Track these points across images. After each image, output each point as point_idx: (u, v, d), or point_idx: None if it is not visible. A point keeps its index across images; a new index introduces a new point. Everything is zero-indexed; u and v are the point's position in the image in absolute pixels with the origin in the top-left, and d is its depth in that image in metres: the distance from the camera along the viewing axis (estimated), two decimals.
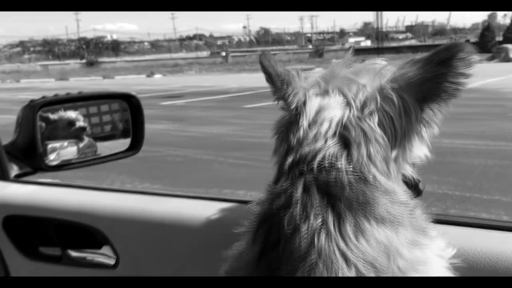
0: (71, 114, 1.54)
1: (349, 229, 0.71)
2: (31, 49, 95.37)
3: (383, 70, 0.85)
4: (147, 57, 71.46)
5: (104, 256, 1.41)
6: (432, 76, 0.78)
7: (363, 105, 0.81)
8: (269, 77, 0.88)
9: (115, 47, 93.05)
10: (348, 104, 0.82)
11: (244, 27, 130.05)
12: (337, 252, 0.69)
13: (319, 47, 55.97)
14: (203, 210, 1.25)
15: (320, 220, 0.72)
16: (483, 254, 0.92)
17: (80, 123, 1.54)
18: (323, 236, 0.70)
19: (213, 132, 10.04)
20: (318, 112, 0.82)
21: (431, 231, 0.78)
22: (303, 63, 34.77)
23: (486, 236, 0.96)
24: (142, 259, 1.32)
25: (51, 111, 1.53)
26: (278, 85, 0.87)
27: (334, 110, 0.81)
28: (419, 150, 0.85)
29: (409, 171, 0.86)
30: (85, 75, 36.84)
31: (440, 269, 0.77)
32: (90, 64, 51.34)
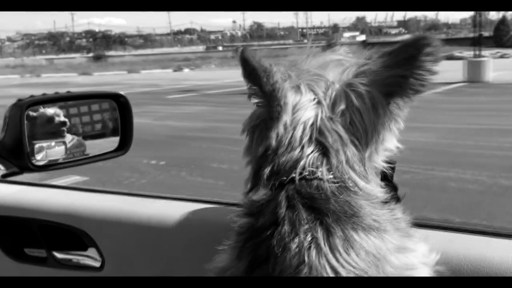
0: (50, 110, 1.51)
1: (338, 243, 0.70)
2: (36, 42, 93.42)
3: (349, 64, 0.84)
4: (155, 51, 69.92)
5: (89, 258, 1.40)
6: (398, 72, 0.78)
7: (334, 104, 0.80)
8: (253, 71, 0.81)
9: (122, 41, 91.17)
10: (319, 103, 0.81)
11: (234, 21, 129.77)
12: (328, 269, 0.69)
13: (330, 41, 55.59)
14: (189, 212, 1.25)
15: (309, 236, 0.71)
16: (465, 259, 0.92)
17: (60, 118, 1.51)
18: (313, 252, 0.70)
19: None
20: (293, 110, 0.80)
21: (414, 233, 0.79)
22: None
23: (469, 241, 0.97)
24: (127, 261, 1.32)
25: (32, 109, 1.51)
26: (263, 80, 0.80)
27: (307, 111, 0.80)
28: (390, 142, 0.85)
29: (382, 165, 0.86)
30: (105, 69, 35.83)
31: (425, 275, 0.77)
32: (98, 58, 50.07)
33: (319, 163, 0.77)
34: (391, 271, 0.71)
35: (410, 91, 0.79)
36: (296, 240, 0.71)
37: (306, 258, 0.69)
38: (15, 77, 31.76)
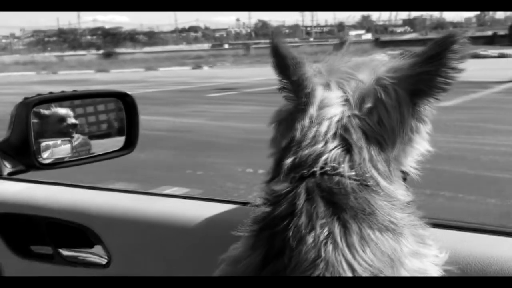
0: (62, 110, 1.53)
1: (355, 240, 0.70)
2: (46, 39, 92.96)
3: (379, 64, 0.85)
4: (162, 48, 69.06)
5: (96, 255, 1.41)
6: (424, 70, 0.78)
7: (361, 102, 0.81)
8: (282, 59, 0.84)
9: (133, 38, 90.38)
10: (347, 100, 0.81)
11: (237, 19, 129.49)
12: (344, 265, 0.68)
13: (344, 39, 54.45)
14: (197, 211, 1.24)
15: (326, 231, 0.71)
16: (473, 258, 0.92)
17: (71, 119, 1.53)
18: (330, 247, 0.69)
19: None
20: (320, 106, 0.81)
21: (428, 240, 0.78)
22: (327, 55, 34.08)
23: (476, 239, 0.97)
24: (134, 259, 1.32)
25: (43, 107, 1.52)
26: (292, 69, 0.83)
27: (334, 108, 0.81)
28: (419, 145, 0.85)
29: (410, 168, 0.86)
30: (119, 66, 34.91)
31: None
32: (108, 55, 49.44)
33: (341, 159, 0.77)
34: (404, 274, 0.71)
35: (436, 89, 0.79)
36: (313, 233, 0.70)
37: (322, 253, 0.69)
38: (31, 74, 31.10)
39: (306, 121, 0.80)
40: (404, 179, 0.87)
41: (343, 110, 0.80)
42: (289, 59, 0.83)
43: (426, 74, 0.78)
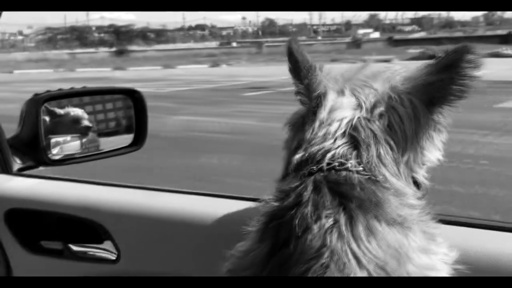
0: (78, 111, 1.54)
1: (361, 230, 0.70)
2: (58, 36, 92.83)
3: (394, 74, 0.87)
4: (178, 46, 68.57)
5: (105, 251, 1.41)
6: (440, 79, 0.80)
7: (373, 107, 0.82)
8: (295, 63, 0.89)
9: (145, 35, 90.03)
10: (359, 106, 0.83)
11: (243, 18, 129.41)
12: (349, 254, 0.69)
13: (357, 37, 52.71)
14: (206, 207, 1.25)
15: (331, 220, 0.71)
16: (483, 255, 0.91)
17: (86, 122, 1.54)
18: (335, 236, 0.70)
19: None
20: (331, 110, 0.83)
21: (438, 238, 0.78)
22: (341, 54, 33.55)
23: (487, 236, 0.96)
24: (143, 254, 1.32)
25: (58, 106, 1.53)
26: (304, 73, 0.88)
27: (345, 111, 0.82)
28: (431, 153, 0.86)
29: (421, 175, 0.87)
30: (134, 64, 34.12)
31: (446, 274, 0.77)
32: (120, 52, 48.77)
33: (349, 155, 0.78)
34: (412, 269, 0.71)
35: (451, 97, 0.81)
36: (318, 222, 0.71)
37: (328, 241, 0.69)
38: (49, 71, 30.40)
39: (317, 123, 0.82)
40: (417, 186, 0.87)
41: (354, 113, 0.82)
42: (302, 63, 0.88)
43: (441, 82, 0.80)
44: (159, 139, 7.42)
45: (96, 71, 29.68)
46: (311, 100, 0.85)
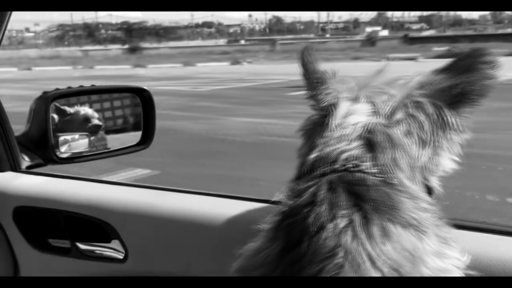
0: (88, 110, 1.54)
1: (376, 232, 0.69)
2: (71, 33, 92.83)
3: (411, 80, 0.86)
4: (190, 43, 68.08)
5: (113, 250, 1.41)
6: (459, 81, 0.79)
7: (391, 114, 0.81)
8: (306, 73, 0.90)
9: (158, 33, 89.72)
10: (375, 112, 0.82)
11: (250, 15, 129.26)
12: (364, 255, 0.68)
13: (372, 35, 52.18)
14: (215, 207, 1.24)
15: (346, 220, 0.70)
16: (495, 260, 0.90)
17: (96, 120, 1.54)
18: (349, 237, 0.69)
19: None
20: (345, 116, 0.82)
21: (452, 242, 0.77)
22: (358, 52, 32.91)
23: (498, 241, 0.95)
24: (151, 254, 1.32)
25: (68, 104, 1.53)
26: (313, 83, 0.88)
27: (360, 116, 0.82)
28: (447, 161, 0.85)
29: (435, 183, 0.86)
30: (150, 61, 33.35)
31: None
32: (133, 50, 48.54)
33: (364, 157, 0.78)
34: (426, 272, 0.70)
35: (472, 99, 0.80)
36: (333, 222, 0.70)
37: (342, 242, 0.68)
38: (68, 69, 29.86)
39: (332, 127, 0.82)
40: (430, 193, 0.86)
41: (370, 118, 0.81)
42: (312, 73, 0.89)
43: (461, 84, 0.79)
44: (226, 144, 7.22)
45: (115, 68, 29.13)
46: (325, 107, 0.85)
